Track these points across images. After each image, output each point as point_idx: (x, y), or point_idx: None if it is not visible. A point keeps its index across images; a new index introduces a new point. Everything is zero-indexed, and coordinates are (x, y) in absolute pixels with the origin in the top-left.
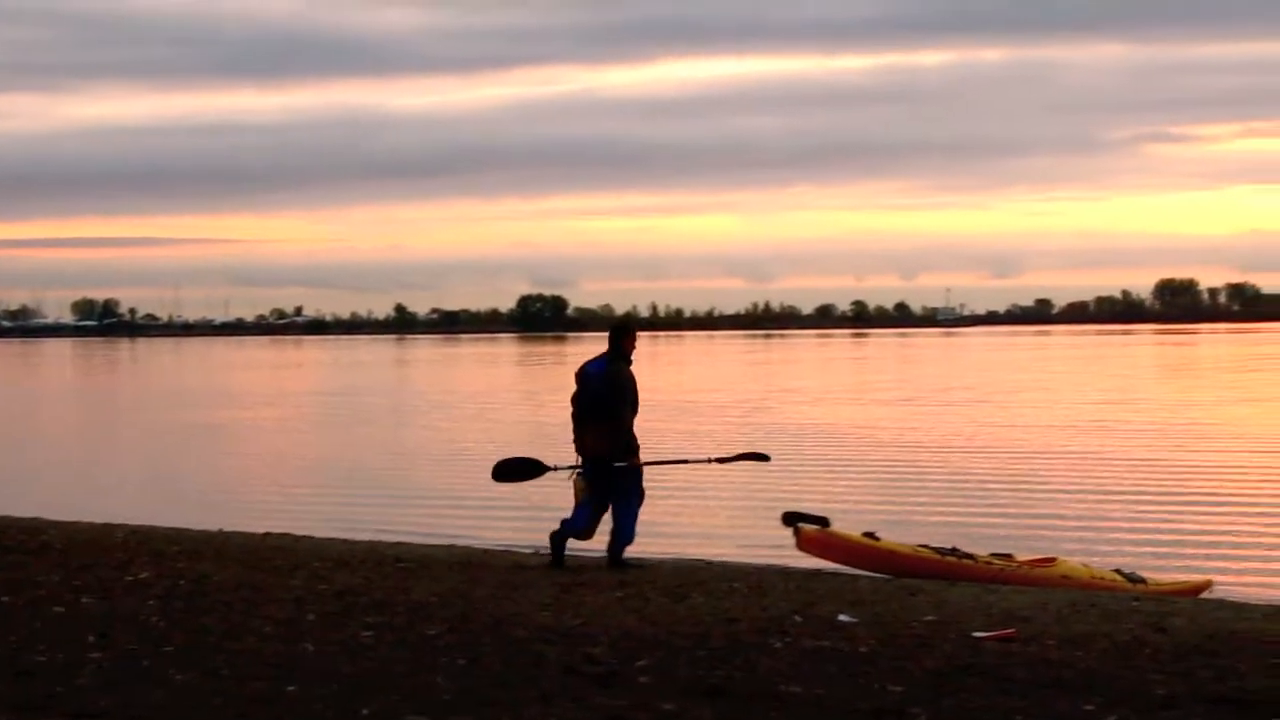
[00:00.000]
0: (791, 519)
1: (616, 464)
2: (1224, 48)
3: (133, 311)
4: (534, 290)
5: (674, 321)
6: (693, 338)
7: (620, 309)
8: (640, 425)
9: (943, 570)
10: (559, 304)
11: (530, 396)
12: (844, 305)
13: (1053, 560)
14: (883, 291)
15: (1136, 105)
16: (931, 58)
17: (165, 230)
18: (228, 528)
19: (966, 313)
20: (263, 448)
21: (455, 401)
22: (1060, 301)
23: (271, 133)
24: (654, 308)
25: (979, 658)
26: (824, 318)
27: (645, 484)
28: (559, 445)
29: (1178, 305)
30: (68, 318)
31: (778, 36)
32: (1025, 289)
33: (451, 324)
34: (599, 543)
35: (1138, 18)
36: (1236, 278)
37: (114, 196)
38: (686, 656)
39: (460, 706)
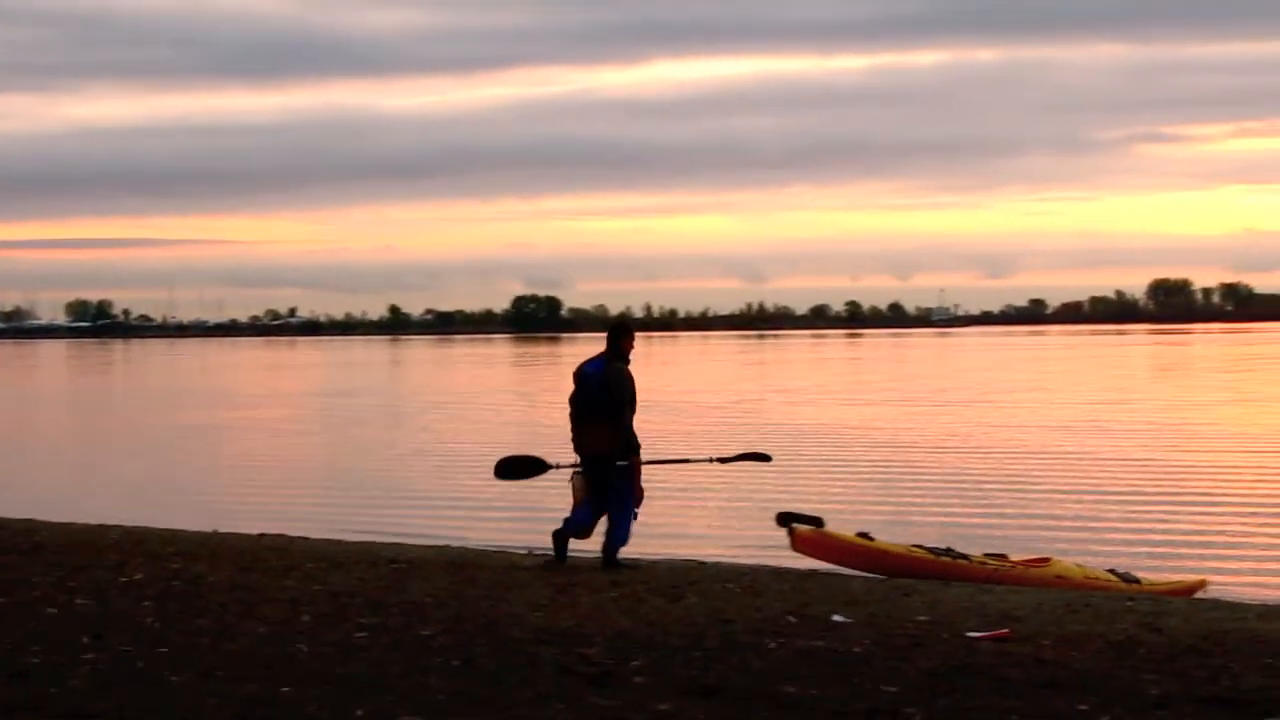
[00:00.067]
0: (786, 519)
1: (619, 463)
2: (1217, 48)
3: (126, 313)
4: (528, 291)
5: (668, 322)
6: (687, 338)
7: (615, 309)
8: (636, 425)
9: (937, 570)
10: (553, 305)
11: (524, 397)
12: (838, 305)
13: (1047, 560)
14: (877, 292)
15: (1130, 105)
16: (926, 58)
17: (159, 231)
18: (222, 529)
19: (961, 313)
20: (257, 449)
21: (449, 402)
22: (1054, 302)
23: (266, 134)
24: (648, 308)
25: (973, 658)
26: (818, 318)
27: (644, 483)
28: (554, 445)
29: (1171, 305)
30: (61, 319)
31: (773, 37)
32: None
33: (446, 325)
34: (594, 543)
35: (1131, 18)
36: (1230, 278)
37: (108, 197)
38: (681, 657)
39: (454, 707)
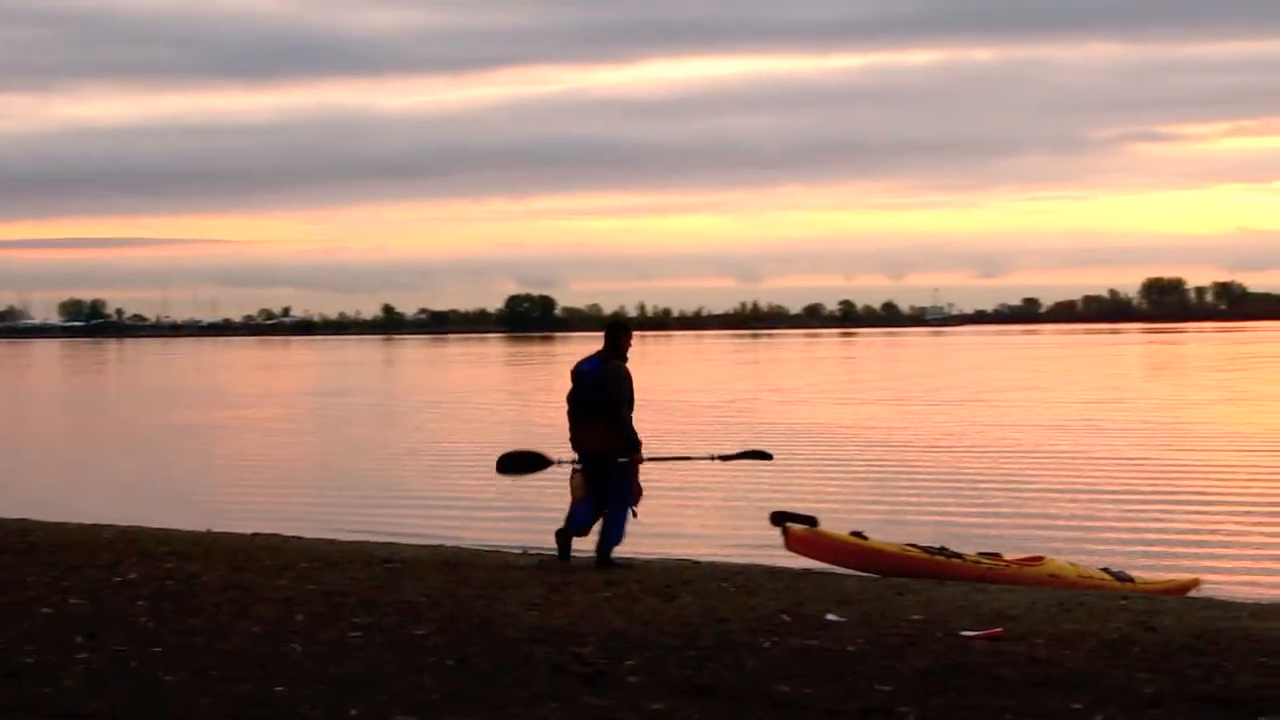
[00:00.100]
0: (779, 519)
1: (620, 459)
2: (1211, 47)
3: (120, 312)
4: (522, 290)
5: (662, 321)
6: (681, 337)
7: (608, 309)
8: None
9: (931, 569)
10: (547, 304)
11: (518, 396)
12: (832, 305)
13: (1040, 559)
14: (871, 291)
15: (1124, 104)
16: (920, 57)
17: (153, 231)
18: (216, 528)
19: (954, 312)
20: (251, 448)
21: (443, 402)
22: (1048, 301)
23: (260, 133)
24: (642, 307)
25: (967, 657)
26: (812, 317)
27: (641, 481)
28: (548, 444)
29: (1165, 304)
30: (55, 319)
31: (767, 36)
32: (1013, 288)
33: (439, 324)
34: (588, 542)
35: (1125, 17)
36: (1224, 276)
37: (102, 197)
38: (675, 656)
39: (448, 706)
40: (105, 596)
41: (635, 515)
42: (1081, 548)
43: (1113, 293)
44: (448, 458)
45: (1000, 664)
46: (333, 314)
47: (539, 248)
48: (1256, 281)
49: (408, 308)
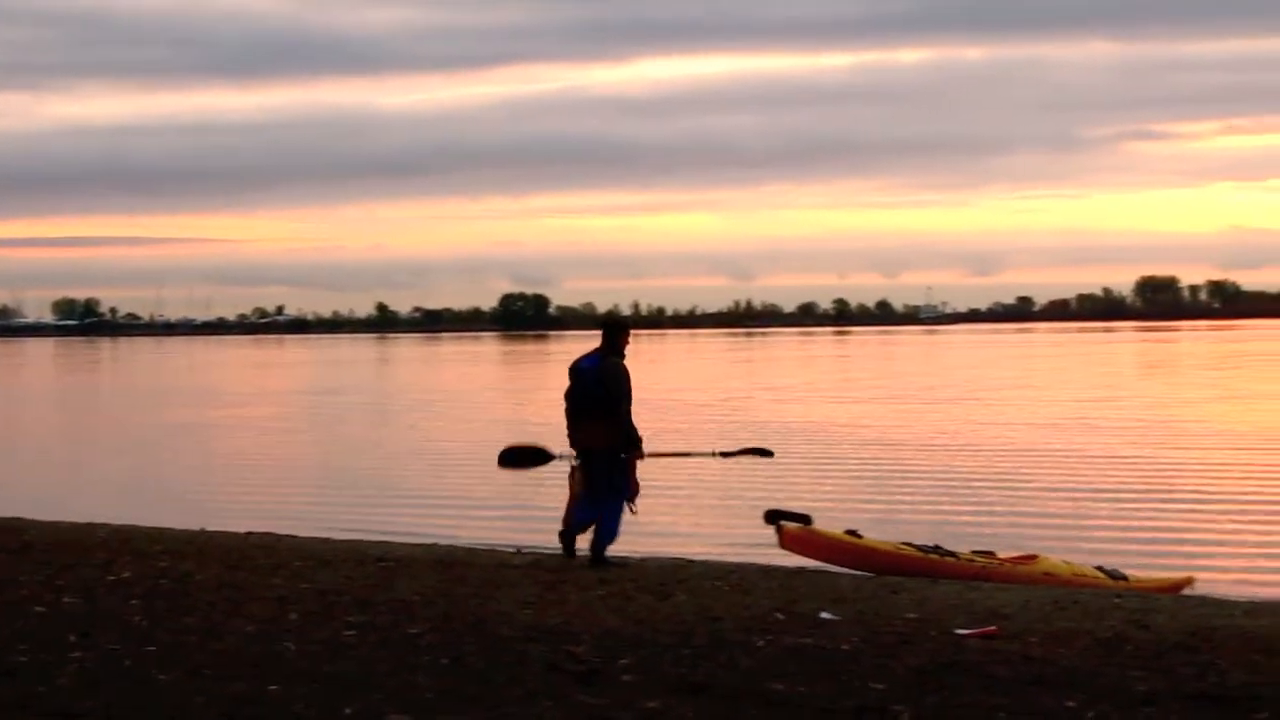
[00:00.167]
0: (774, 517)
1: (622, 455)
2: (1204, 45)
3: (114, 311)
4: (516, 289)
5: (656, 320)
6: (675, 336)
7: (602, 307)
8: None
9: (925, 568)
10: (541, 302)
11: (512, 395)
12: (826, 303)
13: (1034, 557)
14: (864, 289)
15: (1117, 103)
16: (911, 55)
17: (146, 229)
18: (210, 527)
19: (948, 310)
20: (244, 447)
21: (437, 400)
22: (1042, 299)
23: (254, 132)
24: (636, 306)
25: (961, 655)
26: (806, 316)
27: (638, 478)
28: (543, 442)
29: (1159, 302)
30: (48, 317)
31: (759, 35)
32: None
33: (433, 323)
34: (583, 541)
35: (1118, 16)
36: (1217, 275)
37: (96, 196)
38: (669, 654)
39: (442, 705)
40: (99, 595)
41: (634, 512)
42: (1075, 546)
43: (1107, 291)
44: (442, 456)
45: (994, 662)
46: (326, 313)
47: (534, 246)
48: (1250, 280)
49: (402, 306)
